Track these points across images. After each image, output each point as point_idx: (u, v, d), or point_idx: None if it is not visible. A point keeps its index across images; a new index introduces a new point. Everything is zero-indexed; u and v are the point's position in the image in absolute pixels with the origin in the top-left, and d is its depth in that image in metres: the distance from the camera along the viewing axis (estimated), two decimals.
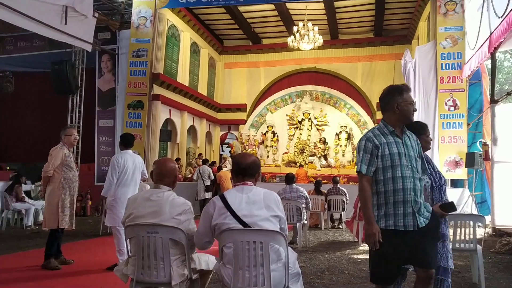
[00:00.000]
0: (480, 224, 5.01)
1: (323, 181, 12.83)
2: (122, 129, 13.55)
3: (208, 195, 12.99)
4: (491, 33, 8.89)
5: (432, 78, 12.26)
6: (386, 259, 2.94)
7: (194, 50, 17.86)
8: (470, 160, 10.80)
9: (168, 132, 15.87)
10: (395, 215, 2.92)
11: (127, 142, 6.03)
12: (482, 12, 9.76)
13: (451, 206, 3.36)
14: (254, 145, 18.89)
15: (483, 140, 11.30)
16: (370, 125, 18.62)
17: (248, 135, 19.27)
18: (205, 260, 3.42)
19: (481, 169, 11.02)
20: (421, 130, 3.63)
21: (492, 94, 9.72)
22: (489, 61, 9.76)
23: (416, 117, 10.90)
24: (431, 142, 3.76)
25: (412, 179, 2.96)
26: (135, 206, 3.27)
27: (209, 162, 14.62)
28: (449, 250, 3.60)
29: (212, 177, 13.25)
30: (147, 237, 3.06)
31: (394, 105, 3.06)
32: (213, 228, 2.97)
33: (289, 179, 8.36)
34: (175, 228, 3.11)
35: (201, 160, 15.70)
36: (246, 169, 3.03)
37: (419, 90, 12.40)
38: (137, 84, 13.80)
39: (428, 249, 2.98)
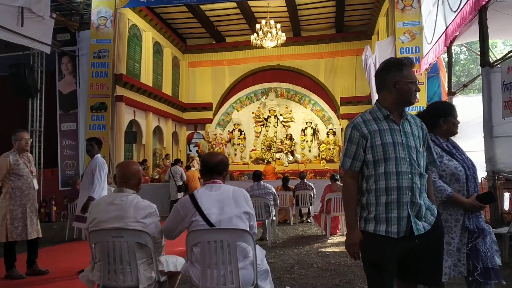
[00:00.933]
0: None
1: (291, 177, 12.99)
2: (85, 132, 13.31)
3: (180, 195, 12.85)
4: (447, 27, 8.97)
5: None
6: (379, 270, 2.37)
7: (157, 49, 17.61)
8: None
9: (133, 134, 15.63)
10: (387, 219, 2.37)
11: (100, 146, 6.15)
12: (437, 7, 9.85)
13: (490, 197, 2.83)
14: (222, 143, 18.77)
15: None
16: (335, 120, 18.76)
17: (215, 134, 19.16)
18: (173, 262, 3.37)
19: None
20: (448, 111, 3.11)
21: (449, 87, 9.85)
22: (446, 54, 9.85)
23: None
24: (458, 125, 3.18)
25: (410, 175, 2.39)
26: (98, 211, 3.20)
27: (180, 162, 14.19)
28: (493, 245, 2.93)
29: (185, 177, 13.08)
30: (112, 241, 2.99)
31: (391, 83, 2.48)
32: (182, 226, 2.99)
33: (257, 176, 8.35)
34: (141, 231, 3.05)
35: (168, 161, 15.52)
36: (214, 168, 3.04)
37: None
38: (99, 85, 13.50)
39: (433, 263, 2.45)
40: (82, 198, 5.93)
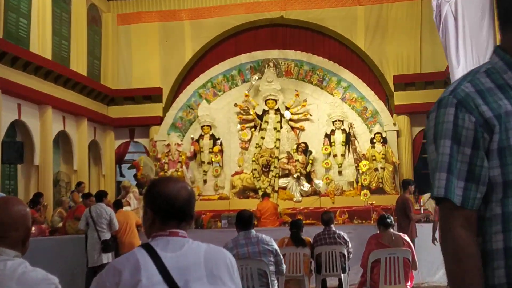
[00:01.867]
0: None
1: (306, 221, 13.26)
2: None
3: (106, 258, 12.94)
4: None
5: (486, 29, 12.48)
6: None
7: None
8: None
9: (17, 146, 15.53)
10: None
11: None
12: None
13: None
14: (179, 161, 18.86)
15: None
16: (385, 116, 18.93)
17: (168, 144, 19.14)
18: None
19: None
20: None
21: None
22: None
23: None
24: None
25: None
26: None
27: (106, 199, 14.39)
28: None
29: (116, 225, 13.27)
30: None
31: None
32: None
33: (244, 221, 8.23)
34: None
35: (81, 194, 15.39)
36: (174, 208, 3.07)
37: (465, 49, 12.88)
38: None
39: None
40: None
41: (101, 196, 13.91)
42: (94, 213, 13.08)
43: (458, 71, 12.71)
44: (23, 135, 16.44)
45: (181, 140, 19.55)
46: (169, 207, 3.08)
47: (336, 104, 19.01)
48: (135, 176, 19.04)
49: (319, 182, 18.37)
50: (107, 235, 13.02)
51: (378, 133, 18.57)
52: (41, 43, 16.67)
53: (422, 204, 14.95)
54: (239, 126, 19.42)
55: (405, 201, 12.29)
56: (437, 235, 11.89)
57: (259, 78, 19.42)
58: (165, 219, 3.08)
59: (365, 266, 9.11)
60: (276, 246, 8.20)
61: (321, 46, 19.77)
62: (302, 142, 18.81)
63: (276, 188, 18.45)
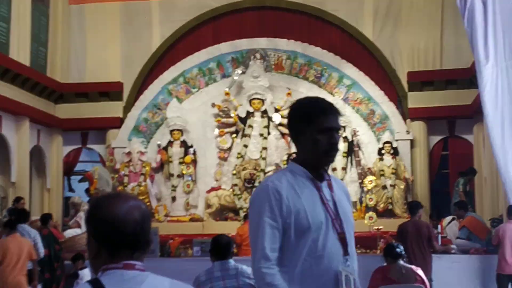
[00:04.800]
0: None
1: None
2: None
3: None
4: None
5: None
6: None
7: None
8: None
9: None
10: None
11: None
12: None
13: None
14: (142, 173, 18.38)
15: None
16: (396, 122, 18.33)
17: (128, 152, 18.52)
18: None
19: None
20: None
21: None
22: None
23: (494, 96, 12.80)
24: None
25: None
26: None
27: (38, 223, 14.21)
28: None
29: (41, 250, 13.03)
30: None
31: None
32: None
33: (221, 249, 7.90)
34: None
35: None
36: (135, 236, 2.95)
37: (495, 41, 12.97)
38: None
39: None
40: None
41: (45, 220, 13.95)
42: (32, 235, 12.92)
43: (487, 68, 12.71)
44: None
45: (145, 148, 18.69)
46: (117, 235, 2.88)
47: (337, 106, 16.56)
48: (87, 190, 18.36)
49: None
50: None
51: (387, 142, 17.70)
52: None
53: (440, 230, 14.43)
54: (217, 131, 18.54)
55: (429, 227, 12.26)
56: None
57: (243, 73, 18.57)
58: (113, 250, 2.89)
59: None
60: None
61: (319, 34, 19.01)
62: (294, 152, 16.28)
63: None
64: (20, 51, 17.60)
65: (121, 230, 2.87)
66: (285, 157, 18.04)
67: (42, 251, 12.93)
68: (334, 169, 17.82)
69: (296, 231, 3.48)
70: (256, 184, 17.61)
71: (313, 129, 3.45)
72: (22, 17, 17.86)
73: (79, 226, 15.60)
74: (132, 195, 3.34)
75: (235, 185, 17.88)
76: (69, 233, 15.30)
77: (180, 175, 18.38)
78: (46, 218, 14.07)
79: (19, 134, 17.78)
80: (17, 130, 17.74)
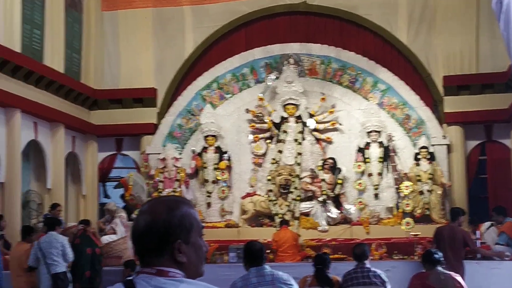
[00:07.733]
0: None
1: (334, 256, 13.52)
2: None
3: None
4: None
5: None
6: None
7: None
8: None
9: None
10: None
11: None
12: None
13: None
14: (177, 179, 18.28)
15: None
16: (431, 124, 18.26)
17: (163, 158, 18.48)
18: None
19: None
20: None
21: None
22: None
23: None
24: None
25: None
26: None
27: (59, 227, 14.00)
28: None
29: (70, 254, 13.05)
30: None
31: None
32: None
33: (255, 255, 7.98)
34: None
35: (62, 220, 15.56)
36: (141, 244, 3.07)
37: None
38: None
39: None
40: None
41: (53, 224, 13.59)
42: (44, 244, 12.84)
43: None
44: None
45: (180, 154, 18.67)
46: (133, 240, 3.09)
47: (372, 111, 18.03)
48: (122, 197, 18.51)
49: (350, 208, 17.49)
50: (60, 268, 12.75)
51: (424, 147, 17.54)
52: (8, 32, 15.98)
53: (478, 235, 14.46)
54: (251, 137, 18.49)
55: (465, 233, 12.32)
56: None
57: (277, 78, 18.55)
58: (137, 254, 3.09)
59: None
60: (296, 286, 7.81)
61: (353, 39, 19.04)
62: (329, 158, 17.85)
63: (297, 215, 17.45)
64: (54, 58, 17.74)
65: (133, 236, 3.01)
66: (320, 163, 18.07)
67: (71, 255, 13.07)
68: (370, 175, 18.05)
69: None
70: (292, 190, 17.97)
71: None
72: (55, 24, 17.99)
73: (114, 232, 15.81)
74: (181, 198, 3.23)
75: (270, 191, 17.85)
76: (105, 239, 15.54)
77: (215, 181, 18.52)
78: (53, 223, 13.90)
79: (54, 140, 17.94)
80: (52, 136, 17.92)
